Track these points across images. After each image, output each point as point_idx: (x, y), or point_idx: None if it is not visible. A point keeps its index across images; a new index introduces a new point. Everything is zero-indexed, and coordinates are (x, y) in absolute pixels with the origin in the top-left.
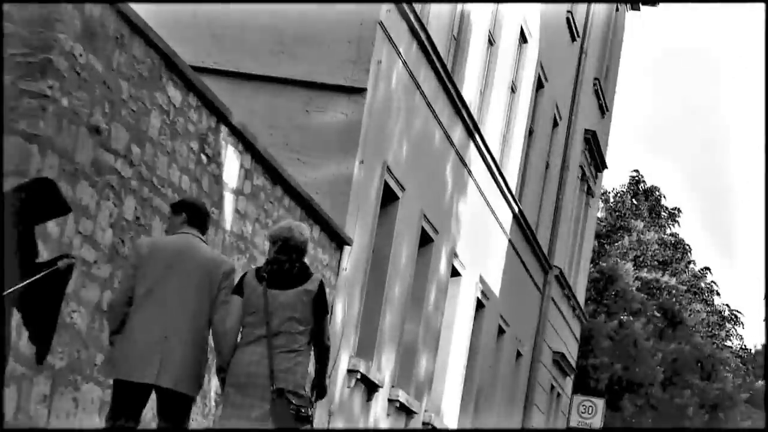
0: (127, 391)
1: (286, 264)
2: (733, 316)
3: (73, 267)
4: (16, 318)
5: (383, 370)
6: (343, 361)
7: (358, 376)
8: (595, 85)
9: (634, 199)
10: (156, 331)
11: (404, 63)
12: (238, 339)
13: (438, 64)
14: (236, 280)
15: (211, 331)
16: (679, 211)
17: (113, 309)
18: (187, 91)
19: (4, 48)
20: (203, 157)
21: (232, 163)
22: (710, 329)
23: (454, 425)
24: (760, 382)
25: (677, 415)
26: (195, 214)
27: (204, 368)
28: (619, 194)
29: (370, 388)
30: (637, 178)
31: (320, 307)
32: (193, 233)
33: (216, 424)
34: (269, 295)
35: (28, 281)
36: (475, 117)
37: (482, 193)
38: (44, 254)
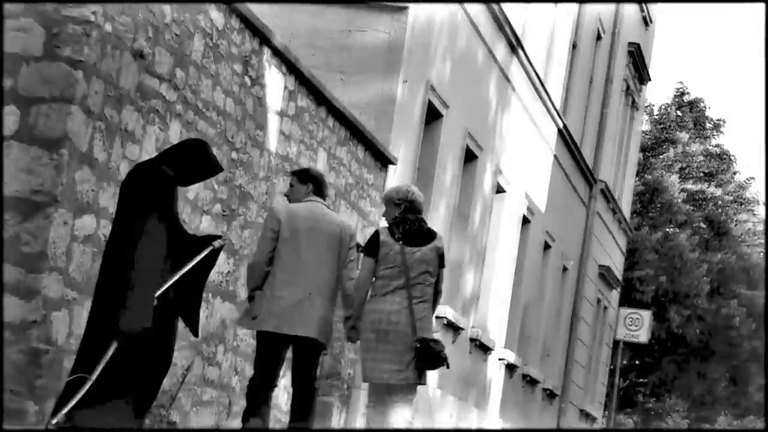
0: (273, 342)
1: (416, 224)
2: None
3: (222, 248)
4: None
5: None
6: None
7: None
8: None
9: (678, 111)
10: (300, 289)
11: None
12: (370, 291)
13: None
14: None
15: (342, 285)
16: (723, 122)
17: (255, 269)
18: (230, 14)
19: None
20: (247, 79)
21: (275, 84)
22: (757, 239)
23: (501, 341)
24: None
25: (724, 325)
26: (319, 186)
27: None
28: (663, 107)
29: None
30: (681, 90)
31: (443, 261)
32: (321, 201)
33: (366, 368)
34: (406, 252)
35: (194, 262)
36: (518, 33)
37: (526, 109)
38: (92, 178)
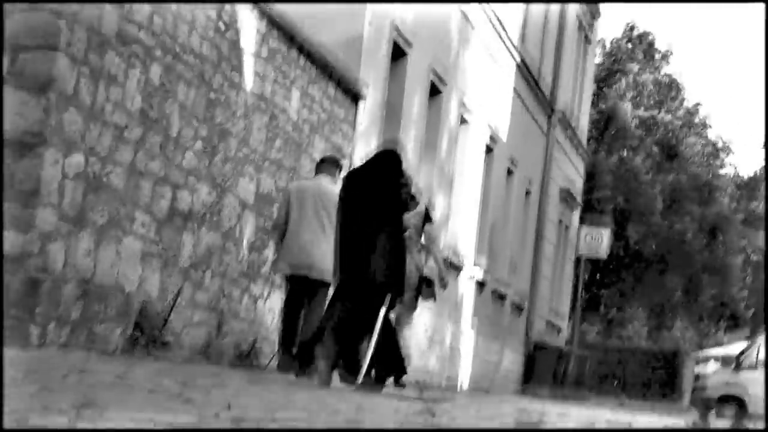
0: (294, 281)
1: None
2: (726, 147)
3: None
4: None
5: None
6: None
7: None
8: None
9: (629, 44)
10: (306, 240)
11: None
12: None
13: None
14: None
15: None
16: (670, 52)
17: (276, 228)
18: None
19: None
20: (221, 24)
21: (249, 29)
22: (705, 160)
23: (470, 261)
24: (755, 203)
25: (678, 240)
26: (327, 166)
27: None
28: (614, 40)
29: None
30: (631, 24)
31: (429, 218)
32: (324, 176)
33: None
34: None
35: None
36: None
37: (486, 46)
38: (79, 119)
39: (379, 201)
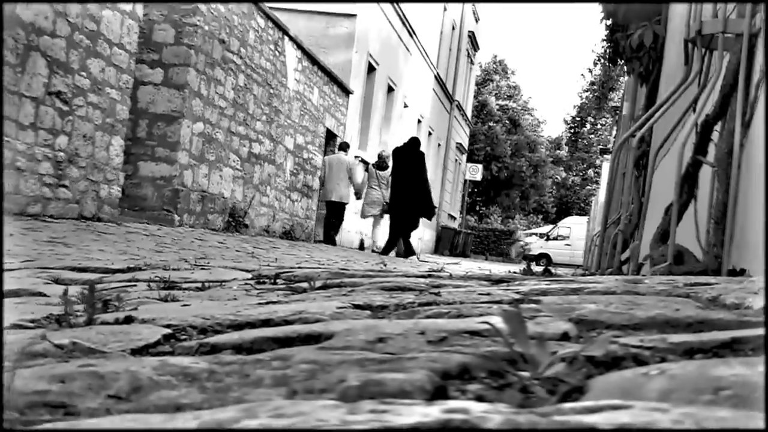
0: (329, 203)
1: (384, 165)
2: (542, 121)
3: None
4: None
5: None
6: (353, 148)
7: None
8: None
9: (494, 65)
10: (334, 184)
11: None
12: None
13: None
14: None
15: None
16: (514, 71)
17: (321, 178)
18: (267, 19)
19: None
20: (277, 52)
21: (291, 55)
22: (532, 128)
23: None
24: (559, 151)
25: (517, 171)
26: (343, 147)
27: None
28: (487, 62)
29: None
30: (495, 54)
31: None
32: (342, 152)
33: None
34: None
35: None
36: (414, 28)
37: (418, 65)
38: (201, 104)
39: (411, 164)
